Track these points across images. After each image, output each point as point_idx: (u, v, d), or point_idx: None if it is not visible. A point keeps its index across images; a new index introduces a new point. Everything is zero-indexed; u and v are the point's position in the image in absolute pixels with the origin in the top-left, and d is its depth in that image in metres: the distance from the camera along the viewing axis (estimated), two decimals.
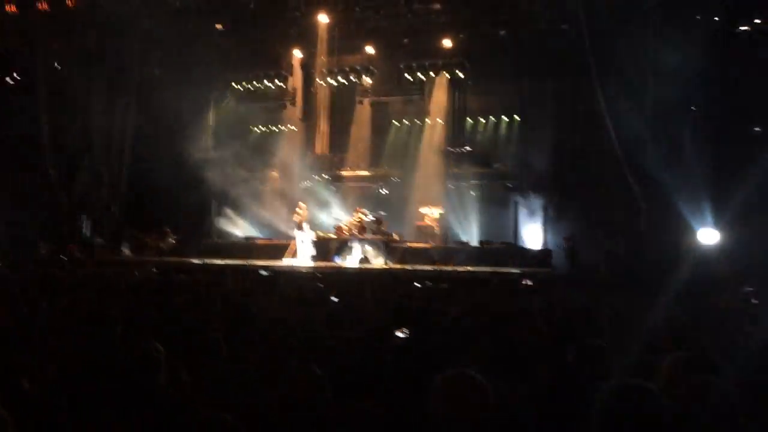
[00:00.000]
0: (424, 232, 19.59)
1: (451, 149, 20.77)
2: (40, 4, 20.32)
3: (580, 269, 16.37)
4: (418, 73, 21.02)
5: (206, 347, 3.88)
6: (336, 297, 6.89)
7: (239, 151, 21.45)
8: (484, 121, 21.44)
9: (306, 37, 21.29)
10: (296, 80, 22.89)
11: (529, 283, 10.74)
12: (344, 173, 22.03)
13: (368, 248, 18.44)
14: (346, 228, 19.11)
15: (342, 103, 22.61)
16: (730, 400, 2.33)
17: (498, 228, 19.28)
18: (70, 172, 19.98)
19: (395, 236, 19.20)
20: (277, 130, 23.39)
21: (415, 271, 14.56)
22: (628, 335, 5.20)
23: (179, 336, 4.21)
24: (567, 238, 17.38)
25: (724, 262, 14.43)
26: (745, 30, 16.79)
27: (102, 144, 20.88)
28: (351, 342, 3.64)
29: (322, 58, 21.78)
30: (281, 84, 22.86)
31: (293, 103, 22.99)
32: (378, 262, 17.93)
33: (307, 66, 22.64)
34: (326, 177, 21.89)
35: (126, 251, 19.72)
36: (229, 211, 21.78)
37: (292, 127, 23.02)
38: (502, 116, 21.04)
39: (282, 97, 23.08)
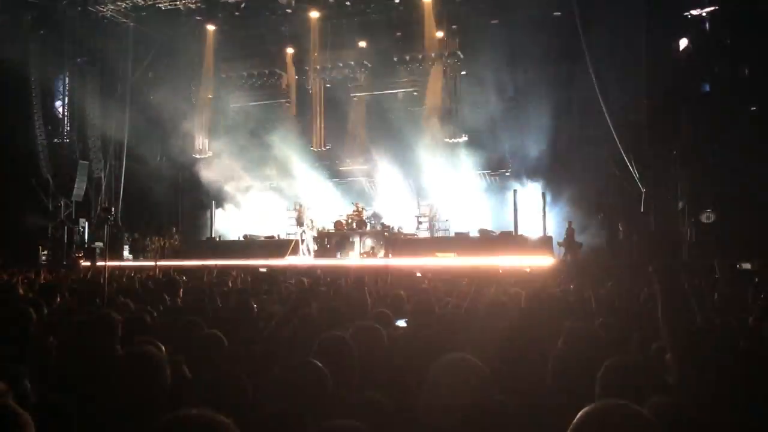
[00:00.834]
0: (423, 222, 19.63)
1: (448, 140, 20.74)
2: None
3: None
4: (412, 66, 20.93)
5: (207, 345, 3.90)
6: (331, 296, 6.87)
7: (235, 149, 21.46)
8: (479, 111, 21.36)
9: (298, 34, 21.25)
10: (290, 77, 22.86)
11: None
12: (341, 168, 22.00)
13: (368, 241, 18.47)
14: (346, 222, 19.14)
15: (337, 99, 22.54)
16: None
17: (497, 216, 19.28)
18: (68, 177, 19.98)
19: (394, 229, 19.23)
20: (272, 128, 23.35)
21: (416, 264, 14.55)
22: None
23: (180, 335, 4.23)
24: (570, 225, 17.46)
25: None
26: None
27: (99, 148, 20.90)
28: (350, 335, 3.65)
29: (315, 55, 21.74)
30: (276, 81, 22.83)
31: (288, 100, 22.96)
32: (379, 254, 17.96)
33: (300, 62, 22.61)
34: (324, 172, 21.86)
35: (126, 254, 19.76)
36: (227, 210, 21.79)
37: (288, 124, 22.98)
38: (498, 105, 20.97)
39: (277, 95, 23.03)
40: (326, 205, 20.80)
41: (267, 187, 21.91)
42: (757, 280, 8.05)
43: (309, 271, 11.93)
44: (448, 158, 20.83)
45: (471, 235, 18.55)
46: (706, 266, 8.27)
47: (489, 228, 18.78)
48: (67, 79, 21.32)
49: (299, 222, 18.53)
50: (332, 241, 19.00)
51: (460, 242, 17.98)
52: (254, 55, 22.02)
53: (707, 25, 16.62)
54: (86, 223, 20.09)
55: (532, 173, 19.51)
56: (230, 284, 8.84)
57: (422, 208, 20.02)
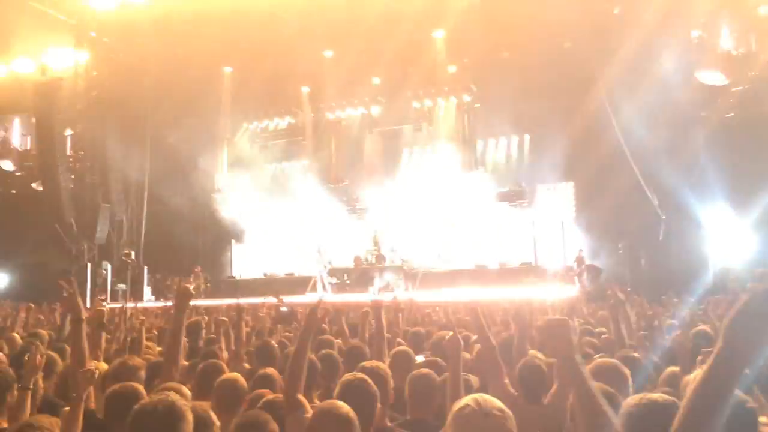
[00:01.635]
0: (441, 255, 19.61)
1: (464, 172, 20.81)
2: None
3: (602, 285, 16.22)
4: (426, 100, 21.13)
5: (229, 386, 3.92)
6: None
7: (254, 186, 21.72)
8: (494, 142, 21.50)
9: (313, 73, 21.58)
10: (306, 115, 23.19)
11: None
12: (358, 202, 22.11)
13: (387, 276, 18.47)
14: (364, 257, 19.18)
15: (352, 134, 22.82)
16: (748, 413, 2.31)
17: (516, 247, 19.20)
18: (91, 220, 20.31)
19: (414, 262, 19.23)
20: (289, 165, 23.65)
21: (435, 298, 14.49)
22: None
23: (203, 377, 4.26)
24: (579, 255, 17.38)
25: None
26: None
27: (120, 190, 21.26)
28: (371, 374, 3.66)
29: (329, 92, 22.05)
30: (292, 120, 23.17)
31: (304, 138, 23.25)
32: (399, 289, 17.93)
33: (315, 100, 22.95)
34: (341, 207, 21.99)
35: (149, 295, 19.94)
36: (246, 248, 21.95)
37: (305, 162, 23.26)
38: (513, 136, 21.10)
39: (293, 133, 23.34)
40: (344, 240, 20.89)
41: (285, 224, 22.07)
42: None
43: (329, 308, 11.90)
44: (465, 190, 20.89)
45: (490, 267, 18.50)
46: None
47: (508, 259, 18.74)
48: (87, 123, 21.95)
49: (317, 258, 18.61)
50: (351, 276, 19.02)
51: (480, 275, 17.92)
52: (270, 94, 22.37)
53: None
54: (109, 265, 20.33)
55: (550, 203, 19.48)
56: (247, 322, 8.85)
57: (440, 242, 20.01)
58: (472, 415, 2.04)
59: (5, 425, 3.33)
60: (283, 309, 8.32)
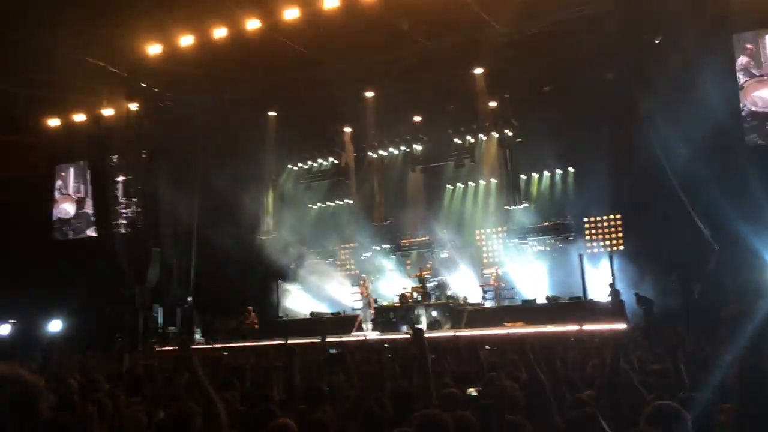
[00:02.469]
0: (488, 291, 19.42)
1: (508, 207, 20.68)
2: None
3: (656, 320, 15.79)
4: (467, 136, 21.20)
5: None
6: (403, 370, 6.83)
7: (299, 228, 21.99)
8: (537, 176, 21.36)
9: (354, 113, 21.92)
10: (349, 155, 23.48)
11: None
12: (403, 241, 22.13)
13: (434, 313, 18.36)
14: (410, 295, 19.13)
15: (395, 173, 22.97)
16: None
17: (564, 282, 18.86)
18: (142, 265, 20.84)
19: (460, 299, 19.08)
20: (334, 205, 23.90)
21: (482, 336, 14.32)
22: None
23: (255, 423, 4.30)
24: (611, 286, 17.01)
25: None
26: None
27: (170, 234, 21.79)
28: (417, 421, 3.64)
29: (371, 132, 22.33)
30: (335, 160, 23.51)
31: (348, 178, 23.51)
32: (445, 326, 17.79)
33: (358, 140, 23.25)
34: (386, 246, 22.04)
35: (198, 337, 20.23)
36: (293, 289, 22.12)
37: (349, 201, 23.48)
38: (556, 169, 20.93)
39: (336, 173, 23.66)
40: (390, 278, 20.89)
41: (331, 264, 22.22)
42: None
43: (373, 347, 11.88)
44: (510, 225, 20.76)
45: (538, 302, 18.21)
46: None
47: (556, 294, 18.43)
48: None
49: (363, 297, 18.65)
50: (397, 314, 18.97)
51: (528, 311, 17.65)
52: (314, 136, 22.77)
53: None
54: (160, 309, 20.76)
55: (597, 236, 19.17)
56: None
57: (486, 277, 19.83)
58: None
59: None
60: (332, 351, 8.28)
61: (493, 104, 20.70)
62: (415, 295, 19.24)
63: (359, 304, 19.83)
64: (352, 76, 20.11)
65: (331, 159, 23.51)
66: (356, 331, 18.28)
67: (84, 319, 20.31)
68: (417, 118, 22.05)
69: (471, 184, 22.18)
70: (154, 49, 18.32)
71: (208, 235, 20.94)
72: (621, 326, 14.54)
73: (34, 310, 20.06)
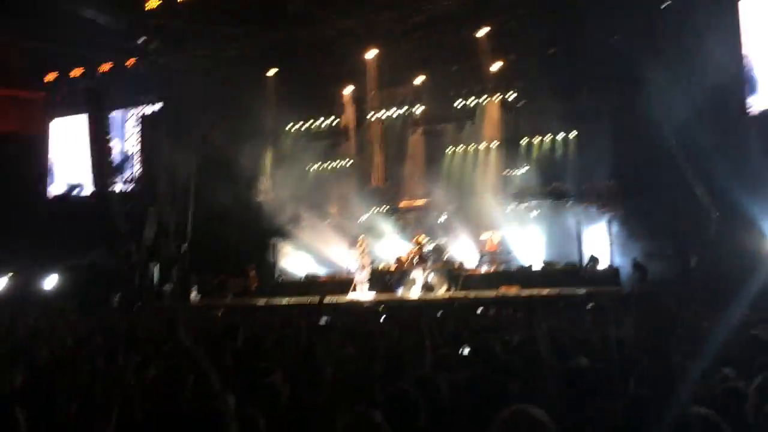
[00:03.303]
0: (485, 257, 19.40)
1: (508, 171, 20.53)
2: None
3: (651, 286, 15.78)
4: (469, 99, 20.90)
5: (270, 392, 3.91)
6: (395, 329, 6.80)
7: (297, 188, 21.84)
8: (539, 140, 21.12)
9: (355, 73, 21.57)
10: (348, 116, 23.19)
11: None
12: (401, 204, 22.02)
13: (430, 277, 18.36)
14: (406, 258, 19.11)
15: (395, 135, 22.74)
16: None
17: (562, 249, 18.81)
18: (138, 222, 20.78)
19: (456, 264, 19.07)
20: (333, 167, 23.71)
21: (477, 298, 14.37)
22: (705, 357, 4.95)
23: (247, 382, 4.25)
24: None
25: None
26: None
27: (168, 192, 21.67)
28: (411, 381, 3.59)
29: (372, 92, 22.01)
30: (334, 121, 23.24)
31: (347, 139, 23.28)
32: (441, 290, 17.81)
33: (358, 101, 22.93)
34: (384, 209, 21.93)
35: (194, 296, 20.26)
36: (290, 250, 22.08)
37: (348, 162, 23.30)
38: (558, 134, 20.68)
39: (336, 134, 23.41)
40: (387, 240, 20.83)
41: (328, 225, 22.14)
42: None
43: (368, 309, 11.91)
44: (509, 189, 20.64)
45: (534, 268, 18.23)
46: None
47: (553, 260, 18.43)
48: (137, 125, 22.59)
49: (359, 259, 18.65)
50: (393, 277, 18.98)
51: (523, 276, 17.69)
52: (313, 95, 22.48)
53: None
54: (156, 266, 20.74)
55: (596, 201, 19.04)
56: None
57: (483, 242, 19.78)
58: None
59: None
60: (323, 322, 8.04)
61: (497, 66, 20.33)
62: (411, 257, 19.20)
63: (356, 266, 19.81)
64: (354, 34, 19.75)
65: (332, 117, 23.24)
66: (352, 292, 18.30)
67: (78, 275, 20.27)
68: (419, 80, 21.69)
69: (472, 147, 21.95)
70: (152, 2, 17.98)
71: (204, 194, 20.81)
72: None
73: (30, 264, 20.00)
